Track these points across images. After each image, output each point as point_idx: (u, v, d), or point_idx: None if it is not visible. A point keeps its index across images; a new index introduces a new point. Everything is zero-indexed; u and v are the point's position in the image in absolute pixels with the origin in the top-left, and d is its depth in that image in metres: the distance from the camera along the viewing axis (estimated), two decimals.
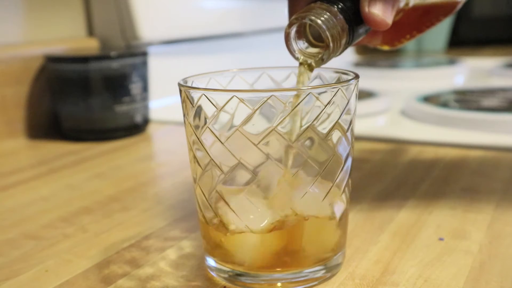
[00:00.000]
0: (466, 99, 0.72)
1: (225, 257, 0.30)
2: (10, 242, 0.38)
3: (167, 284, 0.31)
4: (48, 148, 0.64)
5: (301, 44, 0.32)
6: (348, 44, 0.31)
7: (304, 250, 0.29)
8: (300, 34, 0.32)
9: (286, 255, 0.29)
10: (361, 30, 0.31)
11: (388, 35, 0.37)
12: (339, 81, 0.32)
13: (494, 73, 1.02)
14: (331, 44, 0.30)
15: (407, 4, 0.34)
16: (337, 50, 0.30)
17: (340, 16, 0.30)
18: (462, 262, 0.32)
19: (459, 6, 0.38)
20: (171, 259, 0.34)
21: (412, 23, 0.38)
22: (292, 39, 0.31)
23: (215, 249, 0.31)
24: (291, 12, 0.33)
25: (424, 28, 0.38)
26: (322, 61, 0.31)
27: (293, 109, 0.27)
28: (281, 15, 1.03)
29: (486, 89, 0.79)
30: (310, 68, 0.31)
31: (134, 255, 0.35)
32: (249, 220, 0.29)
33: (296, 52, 0.32)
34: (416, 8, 0.35)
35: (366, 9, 0.30)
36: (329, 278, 0.31)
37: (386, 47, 0.39)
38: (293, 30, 0.31)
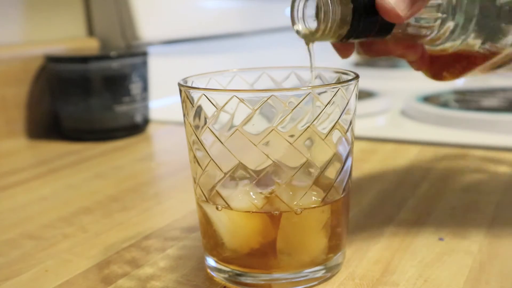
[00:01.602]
0: (466, 99, 0.72)
1: (207, 231, 0.31)
2: (10, 242, 0.38)
3: (167, 284, 0.31)
4: (48, 148, 0.64)
5: (309, 12, 0.31)
6: (353, 33, 0.30)
7: (285, 245, 0.29)
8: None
9: (263, 244, 0.29)
10: (370, 20, 0.30)
11: (436, 66, 0.37)
12: (339, 81, 0.32)
13: (494, 73, 1.01)
14: (321, 25, 0.30)
15: (445, 49, 0.34)
16: (329, 34, 0.30)
17: (350, 5, 0.29)
18: (462, 262, 0.32)
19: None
20: (171, 259, 0.34)
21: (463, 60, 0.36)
22: (296, 6, 0.31)
23: (215, 248, 0.31)
24: None
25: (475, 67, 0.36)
26: (312, 36, 0.31)
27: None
28: (281, 15, 1.03)
29: (486, 89, 0.79)
30: (306, 40, 0.31)
31: (134, 255, 0.35)
32: (230, 197, 0.29)
33: (295, 19, 0.31)
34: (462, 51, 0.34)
35: None
36: (329, 278, 0.31)
37: (443, 79, 0.38)
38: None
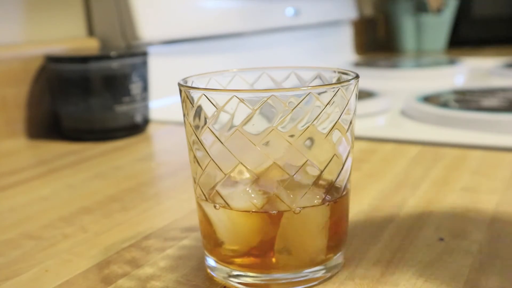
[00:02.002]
0: (466, 99, 0.72)
1: (208, 231, 0.31)
2: (10, 242, 0.38)
3: (167, 284, 0.31)
4: (48, 148, 0.64)
5: None
6: None
7: (285, 244, 0.29)
8: None
9: (263, 244, 0.29)
10: None
11: None
12: (339, 81, 0.32)
13: (494, 73, 1.02)
14: None
15: None
16: None
17: None
18: (462, 262, 0.32)
19: None
20: (171, 259, 0.34)
21: None
22: None
23: (215, 248, 0.31)
24: None
25: None
26: None
27: None
28: (281, 15, 1.03)
29: (486, 89, 0.79)
30: None
31: (134, 255, 0.35)
32: (230, 197, 0.29)
33: None
34: None
35: None
36: (329, 278, 0.31)
37: None
38: None
